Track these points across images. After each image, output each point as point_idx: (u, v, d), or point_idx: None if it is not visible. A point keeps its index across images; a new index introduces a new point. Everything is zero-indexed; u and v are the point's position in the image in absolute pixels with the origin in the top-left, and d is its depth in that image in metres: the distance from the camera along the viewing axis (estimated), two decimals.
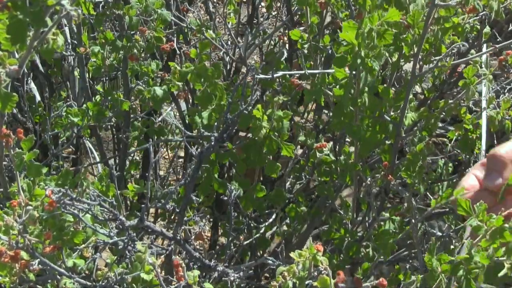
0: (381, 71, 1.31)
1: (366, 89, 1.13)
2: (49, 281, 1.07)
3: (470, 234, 0.87)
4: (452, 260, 0.84)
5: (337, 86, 1.15)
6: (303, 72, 1.30)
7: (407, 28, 1.13)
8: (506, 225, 0.79)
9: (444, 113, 1.29)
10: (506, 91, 1.35)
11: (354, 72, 1.11)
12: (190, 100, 1.65)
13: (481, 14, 1.21)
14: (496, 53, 1.30)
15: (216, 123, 1.27)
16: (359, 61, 1.05)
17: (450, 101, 1.29)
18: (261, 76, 1.29)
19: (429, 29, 1.17)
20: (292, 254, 0.76)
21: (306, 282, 0.75)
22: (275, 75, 1.30)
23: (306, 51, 1.36)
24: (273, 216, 1.44)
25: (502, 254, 0.80)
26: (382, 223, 1.32)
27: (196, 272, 0.82)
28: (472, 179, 0.87)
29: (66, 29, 1.74)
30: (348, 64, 1.10)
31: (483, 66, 1.18)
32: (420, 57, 1.19)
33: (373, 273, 1.24)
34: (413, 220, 1.11)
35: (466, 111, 1.32)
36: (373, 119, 1.21)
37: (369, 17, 1.03)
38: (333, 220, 1.36)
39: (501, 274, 0.79)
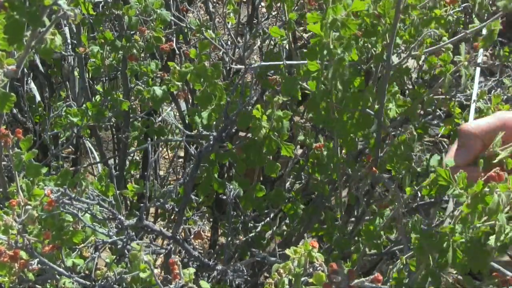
0: (366, 63, 1.31)
1: (339, 81, 1.12)
2: (49, 280, 1.07)
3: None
4: (436, 234, 0.83)
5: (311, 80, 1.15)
6: (281, 63, 1.29)
7: (378, 18, 1.13)
8: (487, 189, 0.78)
9: (423, 104, 1.28)
10: (491, 82, 1.35)
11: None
12: (190, 100, 1.65)
13: (463, 5, 1.20)
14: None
15: (214, 123, 1.27)
16: (325, 52, 1.05)
17: (441, 94, 1.29)
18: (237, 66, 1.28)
19: (415, 20, 1.16)
20: (287, 251, 0.76)
21: (302, 279, 0.75)
22: (250, 67, 1.30)
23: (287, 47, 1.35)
24: (271, 215, 1.44)
25: (483, 221, 0.79)
26: (372, 217, 1.31)
27: (192, 270, 0.82)
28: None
29: (66, 29, 1.74)
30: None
31: (480, 60, 1.17)
32: (403, 49, 1.19)
33: (373, 273, 1.23)
34: (398, 213, 1.10)
35: (455, 104, 1.31)
36: (353, 111, 1.20)
37: (333, 7, 1.03)
38: (326, 218, 1.36)
39: (490, 241, 0.77)
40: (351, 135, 1.23)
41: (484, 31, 1.14)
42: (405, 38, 1.19)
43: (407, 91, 1.45)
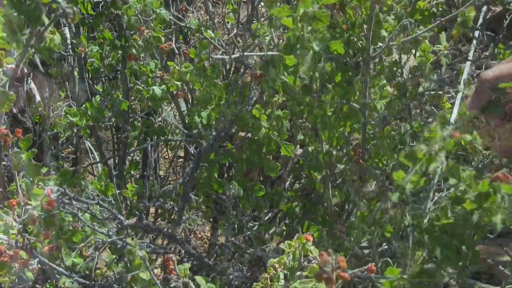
0: (353, 57, 1.30)
1: (317, 74, 1.11)
2: (48, 280, 1.07)
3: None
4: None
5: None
6: (262, 53, 1.29)
7: (353, 9, 1.13)
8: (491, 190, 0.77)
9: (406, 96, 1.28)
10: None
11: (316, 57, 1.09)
12: (190, 100, 1.65)
13: None
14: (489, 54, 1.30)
15: (214, 122, 1.27)
16: (298, 45, 1.05)
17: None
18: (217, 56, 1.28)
19: (399, 11, 1.16)
20: (282, 245, 0.76)
21: (297, 273, 0.75)
22: (233, 56, 1.29)
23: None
24: (269, 215, 1.43)
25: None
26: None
27: (187, 265, 0.81)
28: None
29: (66, 29, 1.74)
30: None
31: (470, 56, 1.17)
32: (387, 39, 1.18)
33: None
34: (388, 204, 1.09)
35: (442, 97, 1.31)
36: (338, 105, 1.19)
37: (303, 0, 1.02)
38: (317, 214, 1.36)
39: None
40: (340, 129, 1.23)
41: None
42: (389, 30, 1.19)
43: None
